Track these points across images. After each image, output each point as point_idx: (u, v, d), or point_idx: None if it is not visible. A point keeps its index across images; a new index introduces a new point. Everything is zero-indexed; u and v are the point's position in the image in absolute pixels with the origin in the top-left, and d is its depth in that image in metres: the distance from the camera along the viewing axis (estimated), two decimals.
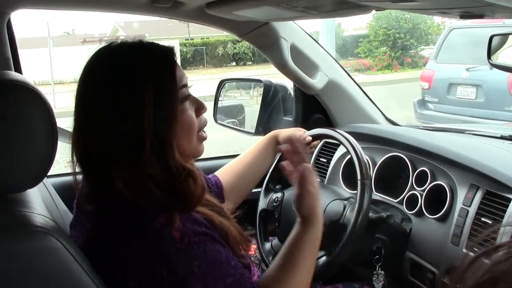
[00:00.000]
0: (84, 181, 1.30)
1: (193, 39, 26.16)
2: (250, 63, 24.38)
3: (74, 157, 1.25)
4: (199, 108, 1.34)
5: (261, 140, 1.95)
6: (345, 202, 1.76)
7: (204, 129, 1.38)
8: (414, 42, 20.54)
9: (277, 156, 1.98)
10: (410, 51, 20.64)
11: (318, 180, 1.47)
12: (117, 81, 1.20)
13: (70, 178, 1.38)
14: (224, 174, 1.86)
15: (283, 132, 1.93)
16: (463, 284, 0.59)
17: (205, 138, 1.37)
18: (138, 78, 1.20)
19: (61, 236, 1.09)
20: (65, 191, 1.67)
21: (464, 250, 1.64)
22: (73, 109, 1.24)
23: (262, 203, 1.93)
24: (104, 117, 1.19)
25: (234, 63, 24.96)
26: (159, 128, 1.19)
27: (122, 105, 1.18)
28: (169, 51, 1.27)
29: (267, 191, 1.95)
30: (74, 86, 1.25)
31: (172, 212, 1.15)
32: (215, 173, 1.85)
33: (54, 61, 17.18)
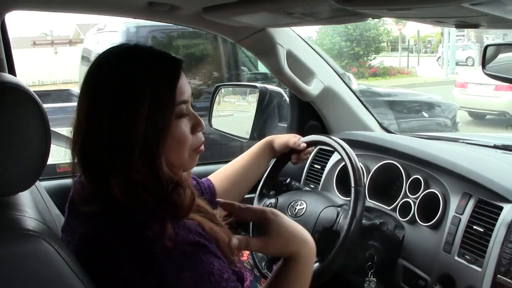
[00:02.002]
0: (78, 184, 1.29)
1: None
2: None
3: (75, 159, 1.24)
4: (196, 126, 1.30)
5: (256, 145, 1.94)
6: (339, 209, 1.75)
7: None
8: (361, 51, 19.52)
9: (271, 161, 1.98)
10: (358, 60, 19.48)
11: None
12: (117, 84, 1.19)
13: (63, 181, 1.38)
14: (218, 178, 1.85)
15: (279, 138, 1.93)
16: None
17: (201, 152, 1.33)
18: (137, 85, 1.19)
19: (53, 240, 1.08)
20: (57, 195, 1.66)
21: (456, 258, 1.65)
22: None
23: None
24: (101, 119, 1.18)
25: None
26: (150, 137, 1.18)
27: (117, 109, 1.18)
28: (176, 61, 1.25)
29: (261, 196, 1.95)
30: None
31: (165, 220, 1.15)
32: (208, 177, 1.84)
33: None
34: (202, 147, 1.34)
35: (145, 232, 1.13)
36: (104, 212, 1.19)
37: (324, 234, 1.71)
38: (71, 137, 1.23)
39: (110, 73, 1.22)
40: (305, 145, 1.90)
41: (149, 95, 1.18)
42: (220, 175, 1.87)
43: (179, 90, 1.23)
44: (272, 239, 1.28)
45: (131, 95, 1.18)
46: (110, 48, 1.28)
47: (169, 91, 1.21)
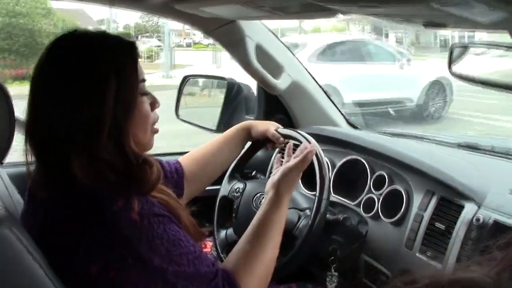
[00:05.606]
0: (38, 169, 1.28)
1: None
2: None
3: (28, 145, 1.23)
4: (154, 103, 1.38)
5: (231, 129, 1.92)
6: (301, 213, 1.75)
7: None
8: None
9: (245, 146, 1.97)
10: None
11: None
12: (81, 68, 1.20)
13: (25, 167, 1.36)
14: (188, 160, 1.83)
15: (257, 126, 1.90)
16: None
17: (157, 131, 1.40)
18: (102, 67, 1.21)
19: (13, 225, 1.07)
20: (20, 181, 1.63)
21: (417, 254, 1.67)
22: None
23: (224, 190, 1.93)
24: (63, 102, 1.18)
25: None
26: (119, 116, 1.20)
27: (84, 91, 1.19)
28: (133, 44, 1.29)
29: (231, 178, 1.94)
30: None
31: (129, 195, 1.16)
32: (179, 159, 1.82)
33: None
34: (158, 125, 1.40)
35: (109, 208, 1.14)
36: (63, 197, 1.19)
37: (284, 235, 1.72)
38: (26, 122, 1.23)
39: (72, 60, 1.22)
40: (283, 140, 1.88)
41: (115, 77, 1.20)
42: (190, 157, 1.85)
43: (139, 70, 1.28)
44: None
45: (97, 79, 1.20)
46: (61, 37, 1.27)
47: (133, 71, 1.26)
